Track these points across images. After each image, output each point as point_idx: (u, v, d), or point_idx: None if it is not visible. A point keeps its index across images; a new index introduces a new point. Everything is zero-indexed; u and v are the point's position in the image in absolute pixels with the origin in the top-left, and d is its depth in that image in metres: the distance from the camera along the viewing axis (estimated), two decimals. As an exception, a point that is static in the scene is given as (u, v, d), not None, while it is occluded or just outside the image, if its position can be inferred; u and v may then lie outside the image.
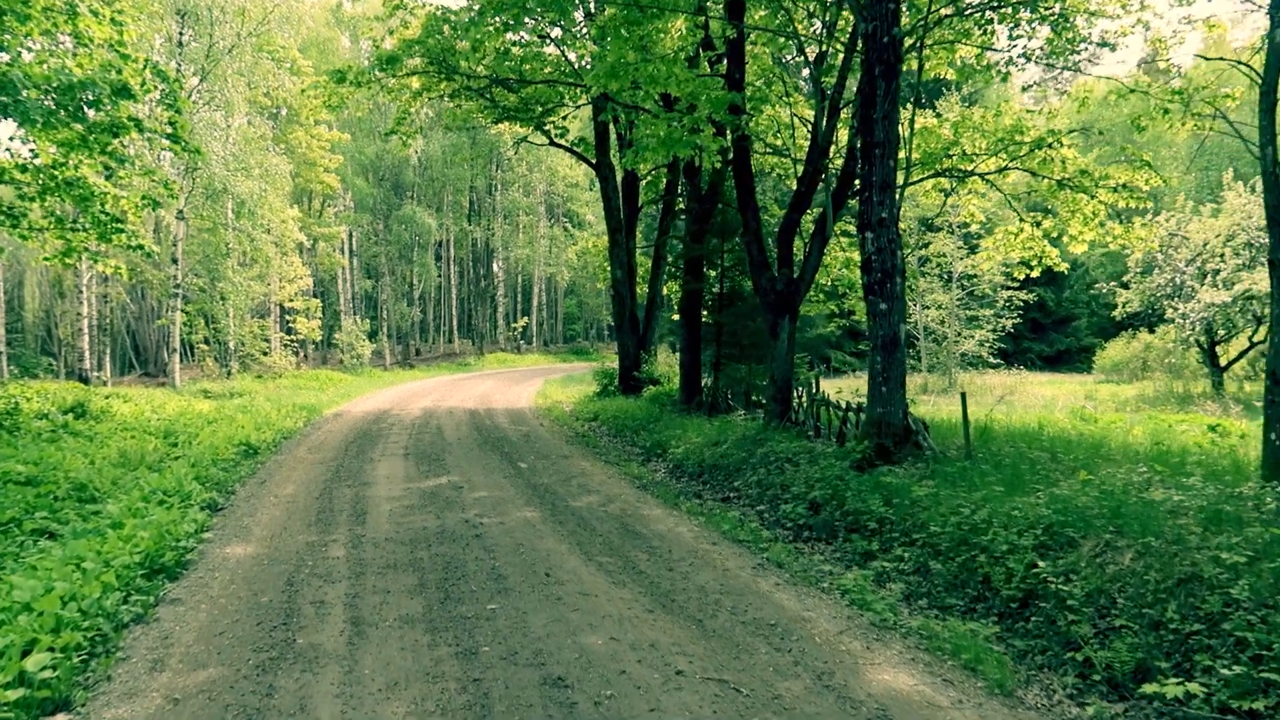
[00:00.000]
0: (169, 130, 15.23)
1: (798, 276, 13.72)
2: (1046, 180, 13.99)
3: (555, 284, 74.22)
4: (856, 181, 14.91)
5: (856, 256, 17.77)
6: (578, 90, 18.94)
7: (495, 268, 62.45)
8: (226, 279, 30.22)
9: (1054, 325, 54.54)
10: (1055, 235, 15.62)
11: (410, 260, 52.13)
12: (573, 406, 23.24)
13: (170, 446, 13.73)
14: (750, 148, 14.26)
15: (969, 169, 14.70)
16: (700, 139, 12.75)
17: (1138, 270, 27.81)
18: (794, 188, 15.88)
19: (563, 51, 19.90)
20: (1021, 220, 15.22)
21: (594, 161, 23.57)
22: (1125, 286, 29.40)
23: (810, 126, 13.83)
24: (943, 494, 8.26)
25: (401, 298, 52.64)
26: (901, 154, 11.25)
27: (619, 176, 24.03)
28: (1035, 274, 16.16)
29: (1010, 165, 14.03)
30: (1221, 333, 26.02)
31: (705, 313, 18.85)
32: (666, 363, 24.22)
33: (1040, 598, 6.20)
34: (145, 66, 14.29)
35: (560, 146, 23.46)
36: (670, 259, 25.68)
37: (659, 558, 7.62)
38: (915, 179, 15.62)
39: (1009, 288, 34.31)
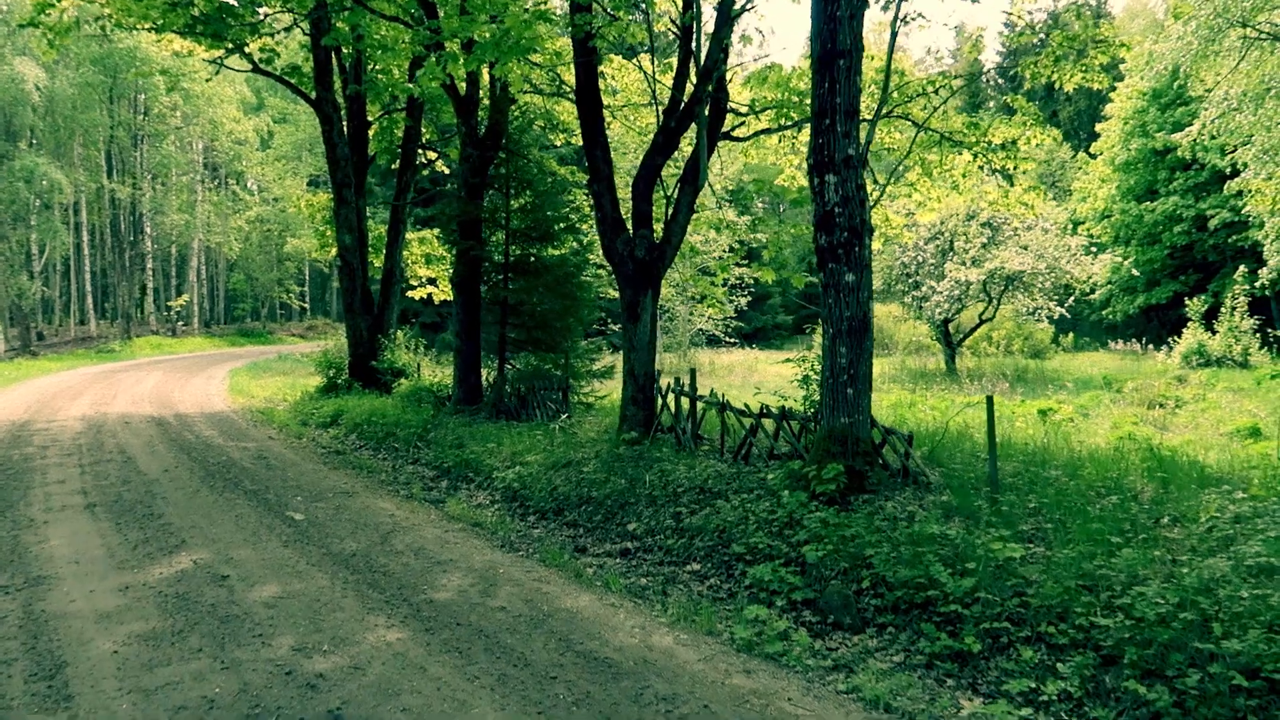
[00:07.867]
0: None
1: (662, 240, 10.51)
2: (923, 133, 11.95)
3: (219, 256, 64.38)
4: (730, 115, 12.00)
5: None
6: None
7: (145, 236, 52.19)
8: None
9: (751, 304, 55.96)
10: (908, 198, 13.84)
11: (30, 224, 41.57)
12: (292, 406, 18.30)
13: None
14: (599, 64, 10.72)
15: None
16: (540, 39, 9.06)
17: (881, 248, 27.76)
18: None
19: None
20: (875, 182, 13.16)
21: (314, 98, 18.60)
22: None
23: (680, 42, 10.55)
24: (1060, 556, 5.57)
25: (20, 270, 41.95)
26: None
27: (345, 121, 19.26)
28: (878, 245, 14.30)
29: (888, 114, 11.79)
30: (954, 310, 26.56)
31: (485, 288, 15.05)
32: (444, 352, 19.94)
33: None
34: None
35: (269, 75, 18.21)
36: (409, 222, 21.45)
37: (707, 731, 4.14)
38: (754, 131, 13.02)
39: (740, 264, 33.61)
